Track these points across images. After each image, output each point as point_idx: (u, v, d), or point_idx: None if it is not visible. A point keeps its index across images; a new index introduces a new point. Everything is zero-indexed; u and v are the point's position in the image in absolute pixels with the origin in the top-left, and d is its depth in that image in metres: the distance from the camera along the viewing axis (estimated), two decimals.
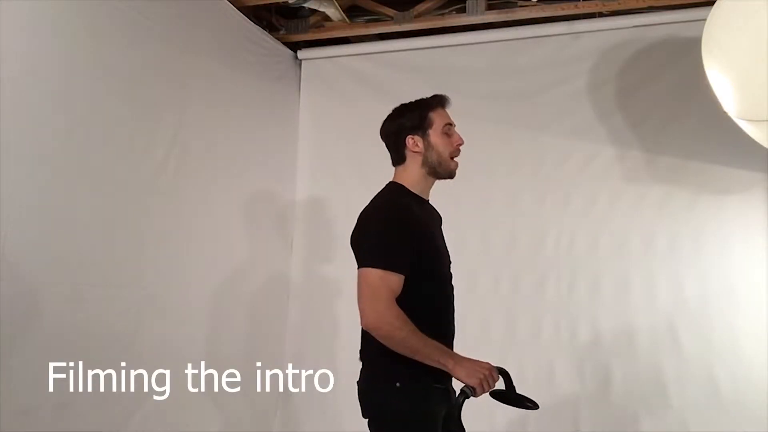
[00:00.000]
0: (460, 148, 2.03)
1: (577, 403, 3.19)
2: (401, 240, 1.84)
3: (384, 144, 2.07)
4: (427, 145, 1.99)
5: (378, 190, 2.03)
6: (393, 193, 2.00)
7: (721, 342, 3.04)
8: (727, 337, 3.03)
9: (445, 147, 2.00)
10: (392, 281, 1.79)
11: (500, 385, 1.84)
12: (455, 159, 2.02)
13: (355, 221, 1.96)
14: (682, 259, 3.15)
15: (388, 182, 2.04)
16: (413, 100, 2.05)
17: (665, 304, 3.15)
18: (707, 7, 2.29)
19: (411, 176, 2.01)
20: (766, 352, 2.93)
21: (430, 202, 2.09)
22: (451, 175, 2.03)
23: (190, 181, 2.97)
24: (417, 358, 1.78)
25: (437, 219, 2.13)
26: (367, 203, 1.99)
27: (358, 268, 1.85)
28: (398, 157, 2.03)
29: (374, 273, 1.80)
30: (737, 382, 2.98)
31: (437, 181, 2.06)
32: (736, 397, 2.97)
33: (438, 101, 2.04)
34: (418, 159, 2.00)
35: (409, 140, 1.99)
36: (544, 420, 3.15)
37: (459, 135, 2.04)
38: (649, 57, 3.29)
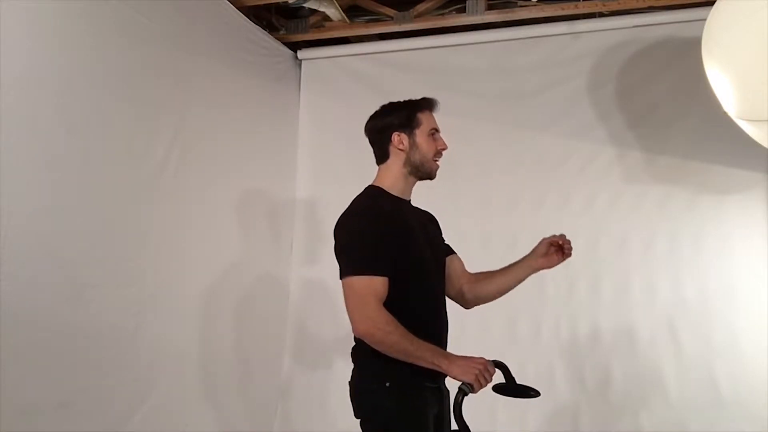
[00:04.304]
0: (443, 152, 2.04)
1: (577, 402, 3.19)
2: (379, 242, 1.84)
3: (368, 140, 2.07)
4: (412, 144, 2.00)
5: None
6: (368, 197, 2.00)
7: (721, 342, 3.04)
8: (727, 337, 3.03)
9: (428, 149, 2.00)
10: (377, 285, 1.80)
11: (499, 378, 1.85)
12: (437, 161, 2.03)
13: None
14: (682, 259, 3.15)
15: (366, 186, 2.04)
16: (402, 100, 2.05)
17: (665, 304, 3.15)
18: (707, 7, 2.28)
19: (392, 176, 2.01)
20: (766, 352, 2.93)
21: (422, 203, 2.09)
22: (431, 175, 2.04)
23: (190, 181, 2.97)
24: (410, 360, 1.79)
25: (423, 217, 2.13)
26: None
27: (341, 278, 1.85)
28: (382, 154, 2.04)
29: (358, 280, 1.80)
30: (737, 382, 2.98)
31: (426, 183, 2.06)
32: (736, 397, 2.97)
33: (427, 104, 2.04)
34: (402, 157, 2.00)
35: (395, 137, 1.99)
36: (544, 419, 3.16)
37: (443, 140, 2.05)
38: (649, 57, 3.29)
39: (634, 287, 3.21)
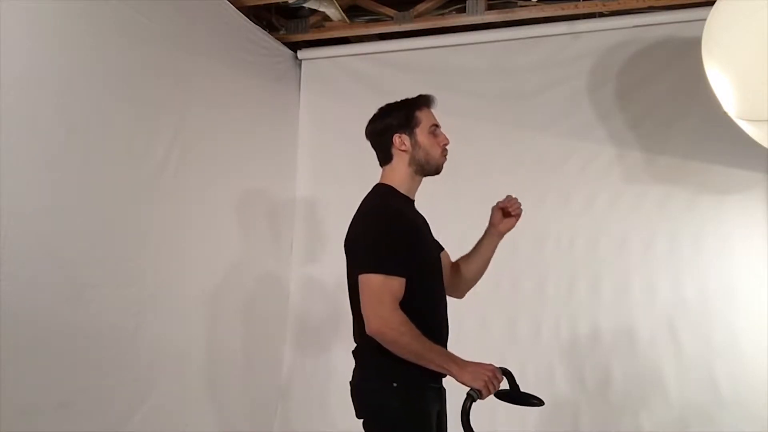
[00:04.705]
0: (447, 147, 2.04)
1: (577, 402, 3.19)
2: (398, 243, 1.84)
3: (370, 144, 2.07)
4: (414, 143, 1.99)
5: None
6: (383, 195, 1.99)
7: (721, 342, 3.03)
8: (727, 337, 3.03)
9: (432, 146, 2.00)
10: (394, 286, 1.80)
11: (504, 385, 1.85)
12: (445, 157, 2.04)
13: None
14: (682, 259, 3.15)
15: (375, 184, 2.04)
16: (398, 100, 2.05)
17: (665, 304, 3.15)
18: (707, 7, 2.28)
19: (398, 176, 2.01)
20: (766, 352, 2.93)
21: (423, 202, 2.09)
22: (438, 170, 2.04)
23: (190, 181, 2.97)
24: (420, 362, 1.78)
25: (424, 220, 2.13)
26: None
27: (358, 273, 1.84)
28: (385, 157, 2.03)
29: (376, 278, 1.79)
30: (737, 382, 2.98)
31: (429, 180, 2.06)
32: (736, 397, 2.97)
33: (424, 101, 2.04)
34: (405, 158, 2.00)
35: (396, 139, 1.99)
36: (544, 420, 3.15)
37: (445, 135, 2.05)
38: (649, 57, 3.29)
39: (634, 287, 3.20)
